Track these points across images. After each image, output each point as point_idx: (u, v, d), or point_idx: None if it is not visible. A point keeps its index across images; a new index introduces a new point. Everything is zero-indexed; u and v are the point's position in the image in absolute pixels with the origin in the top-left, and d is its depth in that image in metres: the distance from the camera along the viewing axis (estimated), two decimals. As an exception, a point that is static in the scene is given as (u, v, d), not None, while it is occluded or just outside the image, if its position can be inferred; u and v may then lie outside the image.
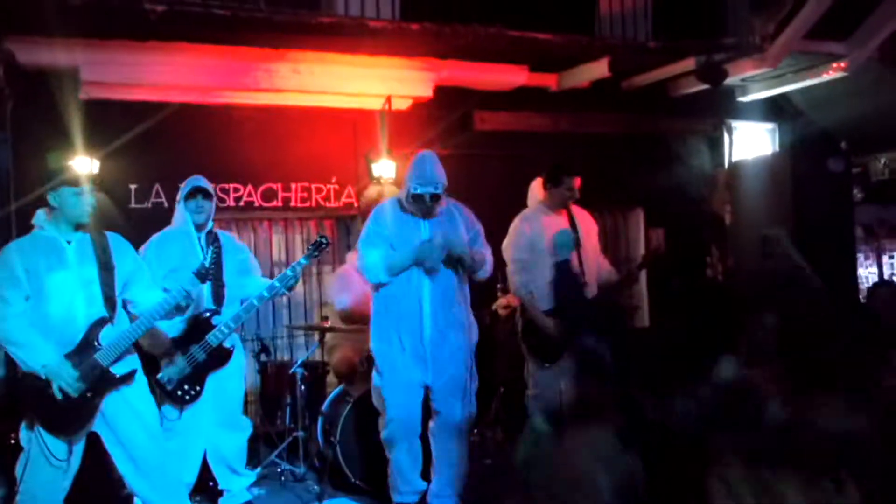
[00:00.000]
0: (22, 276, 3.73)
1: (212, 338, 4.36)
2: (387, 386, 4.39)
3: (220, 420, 4.56)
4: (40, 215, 3.86)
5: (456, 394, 4.41)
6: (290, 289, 4.49)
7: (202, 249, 4.48)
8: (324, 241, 4.50)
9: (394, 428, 4.40)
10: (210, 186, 4.59)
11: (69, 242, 3.85)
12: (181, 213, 4.56)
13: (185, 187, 4.57)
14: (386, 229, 4.39)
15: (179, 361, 4.36)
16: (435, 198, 4.31)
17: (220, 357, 4.43)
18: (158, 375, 4.33)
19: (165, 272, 4.35)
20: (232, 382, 4.60)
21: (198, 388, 4.39)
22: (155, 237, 4.57)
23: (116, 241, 3.99)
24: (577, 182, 5.16)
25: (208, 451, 4.61)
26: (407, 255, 4.32)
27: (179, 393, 4.35)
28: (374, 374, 4.49)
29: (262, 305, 4.61)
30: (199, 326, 4.39)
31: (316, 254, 4.48)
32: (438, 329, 4.36)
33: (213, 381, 4.50)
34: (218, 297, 4.51)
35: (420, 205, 4.33)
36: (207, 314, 4.41)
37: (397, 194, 4.59)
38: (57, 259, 3.80)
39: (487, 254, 4.53)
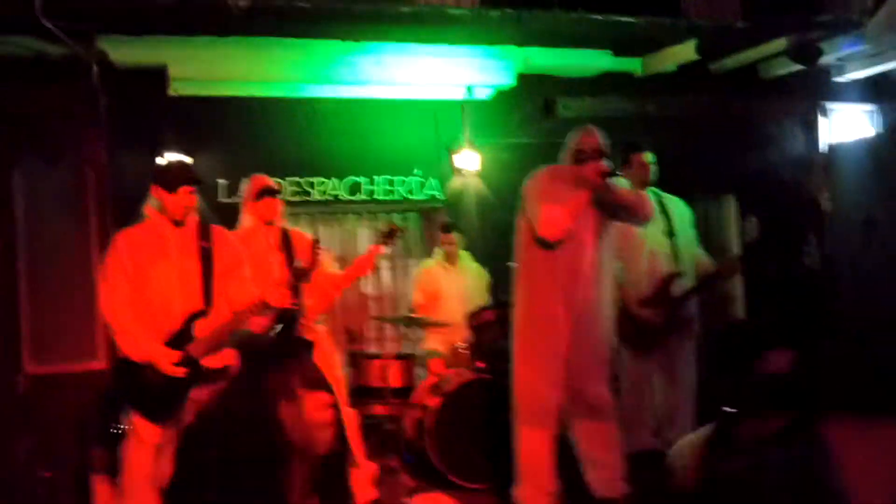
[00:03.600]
0: (128, 263, 3.84)
1: (299, 330, 4.37)
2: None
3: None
4: (148, 206, 3.96)
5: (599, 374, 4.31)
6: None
7: (277, 247, 4.52)
8: (395, 229, 4.52)
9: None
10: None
11: (173, 234, 3.94)
12: (250, 213, 4.58)
13: (252, 189, 4.59)
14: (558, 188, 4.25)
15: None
16: None
17: (304, 349, 4.43)
18: None
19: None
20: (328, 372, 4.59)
21: None
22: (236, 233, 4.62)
23: (220, 235, 4.06)
24: (645, 158, 5.04)
25: None
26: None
27: None
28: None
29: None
30: (284, 321, 4.40)
31: (387, 241, 4.51)
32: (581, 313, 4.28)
33: None
34: (297, 292, 4.51)
35: None
36: (290, 310, 4.42)
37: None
38: (160, 250, 3.89)
39: None
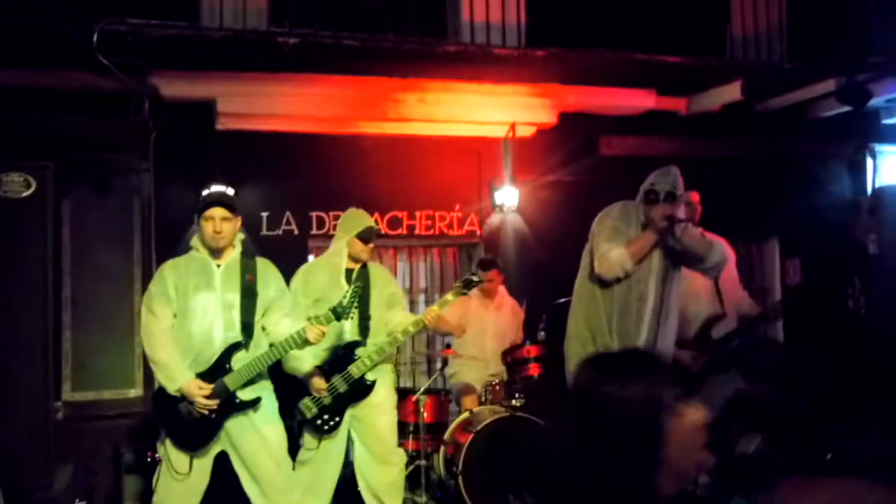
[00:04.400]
0: (172, 294, 3.91)
1: (353, 369, 4.36)
2: None
3: (371, 454, 4.52)
4: (196, 238, 4.03)
5: None
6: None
7: (348, 283, 4.51)
8: (473, 278, 4.45)
9: None
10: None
11: (219, 266, 3.99)
12: (339, 248, 4.54)
13: (355, 224, 4.53)
14: (627, 226, 4.24)
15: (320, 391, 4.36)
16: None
17: (360, 390, 4.41)
18: (299, 403, 4.37)
19: (310, 301, 4.41)
20: (382, 417, 4.53)
21: (337, 418, 4.38)
22: (305, 266, 4.64)
23: (263, 268, 4.10)
24: (689, 197, 4.97)
25: (361, 484, 4.56)
26: (646, 239, 4.16)
27: (319, 422, 4.36)
28: None
29: (405, 340, 4.58)
30: (342, 357, 4.40)
31: (465, 291, 4.42)
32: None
33: (362, 414, 4.47)
34: (364, 330, 4.49)
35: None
36: (352, 345, 4.42)
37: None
38: (205, 281, 3.95)
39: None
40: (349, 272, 4.52)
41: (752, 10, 6.89)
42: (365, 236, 4.48)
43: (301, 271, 4.56)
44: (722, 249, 4.42)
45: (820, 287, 6.83)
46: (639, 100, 6.97)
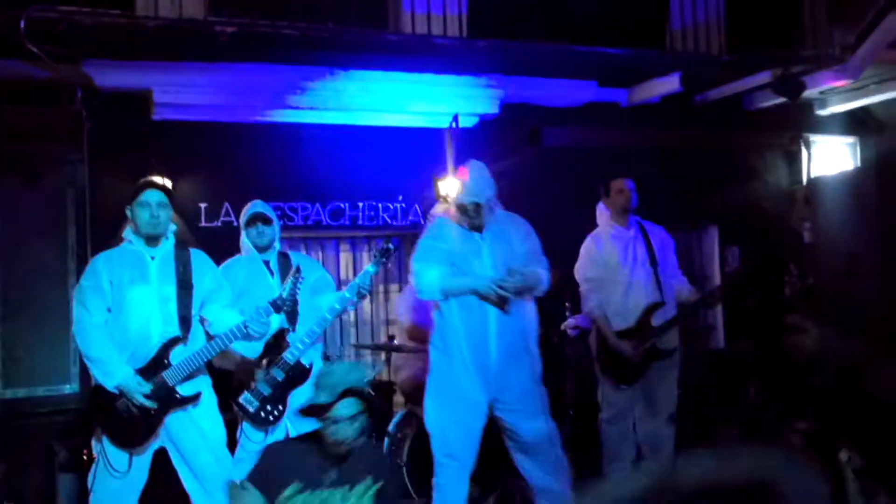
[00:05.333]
0: (106, 288, 3.81)
1: (288, 356, 4.32)
2: (445, 403, 4.27)
3: None
4: (129, 229, 3.94)
5: (532, 410, 4.26)
6: (362, 297, 4.40)
7: (271, 273, 4.48)
8: (390, 246, 4.42)
9: (450, 448, 4.25)
10: (269, 210, 4.56)
11: (153, 258, 3.90)
12: (244, 242, 4.56)
13: (244, 215, 4.56)
14: (443, 243, 4.28)
15: (259, 383, 4.33)
16: (477, 208, 4.20)
17: (299, 374, 4.38)
18: (240, 398, 4.32)
19: (233, 296, 4.36)
20: None
21: (280, 408, 4.34)
22: (225, 263, 4.58)
23: (198, 259, 4.02)
24: (621, 184, 5.06)
25: None
26: (465, 284, 4.18)
27: (262, 414, 4.31)
28: (427, 391, 4.36)
29: (334, 319, 4.56)
30: (274, 346, 4.35)
31: (384, 260, 4.41)
32: (505, 350, 4.23)
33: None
34: (292, 316, 4.46)
35: (464, 216, 4.24)
36: (281, 333, 4.39)
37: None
38: (140, 273, 3.86)
39: (542, 270, 4.32)
40: (267, 263, 4.52)
41: (691, 3, 6.99)
42: (249, 223, 4.48)
43: (222, 267, 4.51)
44: (546, 276, 4.35)
45: (757, 274, 6.98)
46: (580, 91, 7.03)
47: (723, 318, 7.71)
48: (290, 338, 4.37)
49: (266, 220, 4.52)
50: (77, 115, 5.50)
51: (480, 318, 4.22)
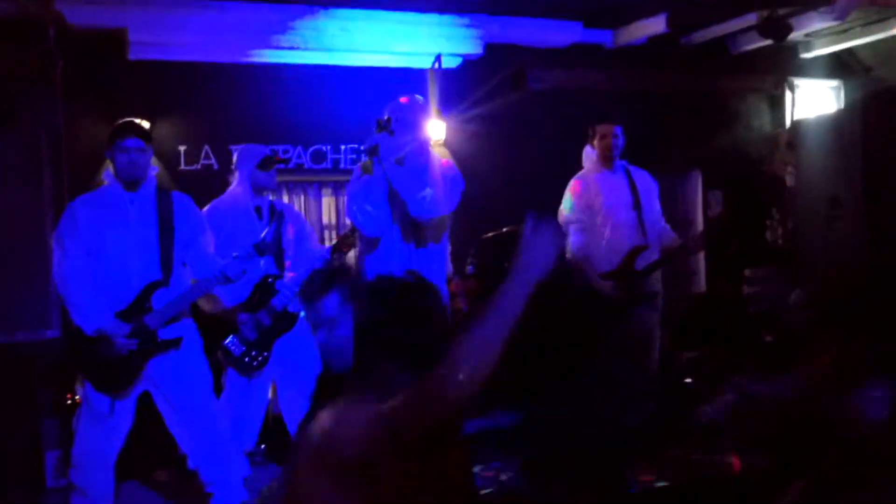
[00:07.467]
0: (83, 230, 3.75)
1: (276, 302, 4.31)
2: None
3: (300, 390, 4.45)
4: (108, 171, 3.87)
5: None
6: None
7: (259, 218, 4.44)
8: None
9: None
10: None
11: (132, 202, 3.84)
12: (243, 182, 4.48)
13: (253, 156, 4.47)
14: None
15: (245, 326, 4.32)
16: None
17: (286, 321, 4.38)
18: (225, 342, 4.30)
19: (220, 241, 4.31)
20: (307, 353, 4.50)
21: (265, 354, 4.35)
22: (211, 204, 4.52)
23: (181, 202, 3.96)
24: (608, 129, 5.04)
25: (288, 420, 4.53)
26: None
27: (247, 360, 4.31)
28: None
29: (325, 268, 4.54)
30: (263, 292, 4.34)
31: None
32: None
33: (290, 353, 4.43)
34: (280, 263, 4.46)
35: None
36: (270, 279, 4.36)
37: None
38: (118, 216, 3.81)
39: None
40: (258, 208, 4.47)
41: (679, -58, 6.87)
42: (264, 165, 4.45)
43: (207, 209, 4.45)
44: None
45: (740, 218, 7.00)
46: (565, 32, 6.91)
47: (705, 263, 7.75)
48: (278, 285, 4.36)
49: (280, 162, 4.55)
50: (48, 54, 5.31)
51: None
